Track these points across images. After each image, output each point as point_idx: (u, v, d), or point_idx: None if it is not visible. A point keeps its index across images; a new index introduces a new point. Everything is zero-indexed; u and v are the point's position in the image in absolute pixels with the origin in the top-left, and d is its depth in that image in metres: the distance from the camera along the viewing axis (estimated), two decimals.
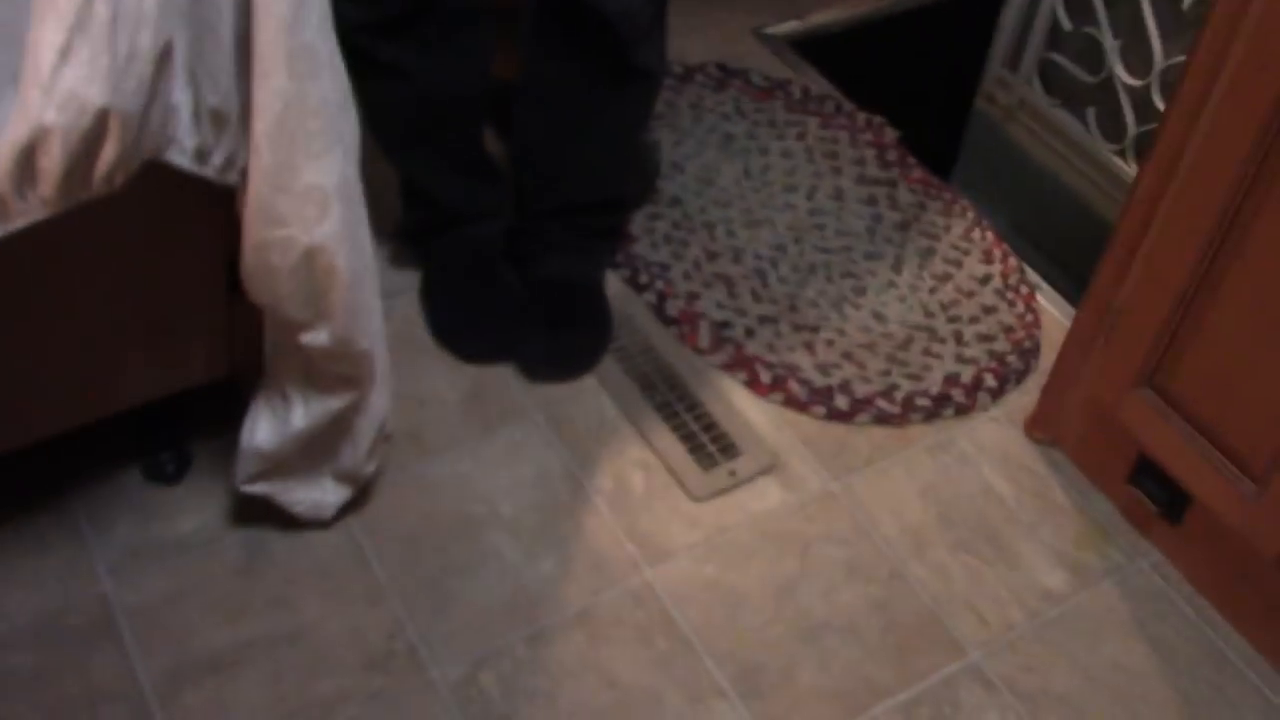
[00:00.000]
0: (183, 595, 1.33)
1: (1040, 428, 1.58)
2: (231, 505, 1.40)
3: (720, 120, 1.96)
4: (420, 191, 1.59)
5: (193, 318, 1.26)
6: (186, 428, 1.44)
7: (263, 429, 1.27)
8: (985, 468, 1.55)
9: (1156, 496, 1.43)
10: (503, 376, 1.58)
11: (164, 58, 0.90)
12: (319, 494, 1.36)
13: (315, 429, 1.26)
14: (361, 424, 1.29)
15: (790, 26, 2.21)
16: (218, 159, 1.02)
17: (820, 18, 2.25)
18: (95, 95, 0.86)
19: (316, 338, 1.15)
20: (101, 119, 0.88)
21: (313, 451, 1.31)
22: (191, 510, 1.40)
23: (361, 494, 1.41)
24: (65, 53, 0.85)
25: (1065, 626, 1.40)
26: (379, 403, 1.28)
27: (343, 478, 1.36)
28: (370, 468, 1.36)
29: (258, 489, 1.33)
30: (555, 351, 1.58)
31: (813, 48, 2.20)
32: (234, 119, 1.00)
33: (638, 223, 1.77)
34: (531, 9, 1.47)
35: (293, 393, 1.25)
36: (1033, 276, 1.80)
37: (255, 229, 1.04)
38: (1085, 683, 1.35)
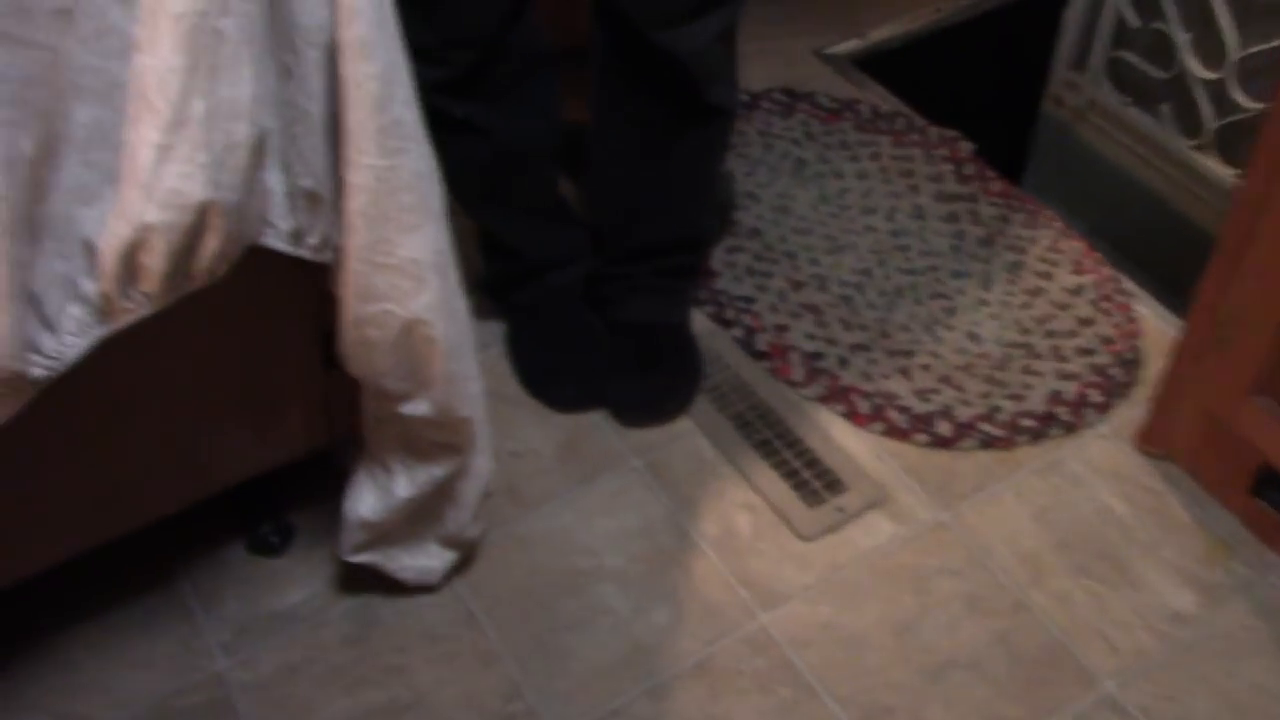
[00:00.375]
0: (296, 669, 1.33)
1: (1152, 442, 1.53)
2: (338, 574, 1.39)
3: (791, 146, 1.93)
4: (499, 244, 1.58)
5: (291, 393, 1.25)
6: (286, 499, 1.44)
7: (366, 500, 1.26)
8: (1099, 487, 1.50)
9: None
10: (596, 424, 1.56)
11: (259, 146, 0.89)
12: (425, 560, 1.34)
13: (419, 497, 1.25)
14: (465, 488, 1.28)
15: (852, 45, 2.18)
16: (313, 239, 1.01)
17: (881, 34, 2.22)
18: (196, 190, 0.86)
19: (417, 408, 1.14)
20: (203, 214, 0.87)
21: (417, 519, 1.30)
22: (298, 581, 1.40)
23: (465, 556, 1.39)
24: (165, 150, 0.84)
25: (1200, 649, 1.35)
26: (482, 465, 1.27)
27: (448, 542, 1.34)
28: (476, 530, 1.35)
29: (363, 558, 1.32)
30: (646, 395, 1.56)
31: (876, 65, 2.17)
32: (327, 198, 0.99)
33: (718, 257, 1.75)
34: (598, 51, 1.45)
35: (394, 463, 1.23)
36: (1128, 284, 1.75)
37: (353, 305, 1.03)
38: (1228, 709, 1.30)
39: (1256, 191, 1.28)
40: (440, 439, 1.20)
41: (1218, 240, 1.35)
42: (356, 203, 0.97)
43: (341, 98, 0.93)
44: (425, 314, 1.05)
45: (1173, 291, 1.77)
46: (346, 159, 0.96)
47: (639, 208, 1.56)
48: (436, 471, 1.23)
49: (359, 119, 0.93)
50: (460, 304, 1.11)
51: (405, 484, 1.24)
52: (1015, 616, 1.37)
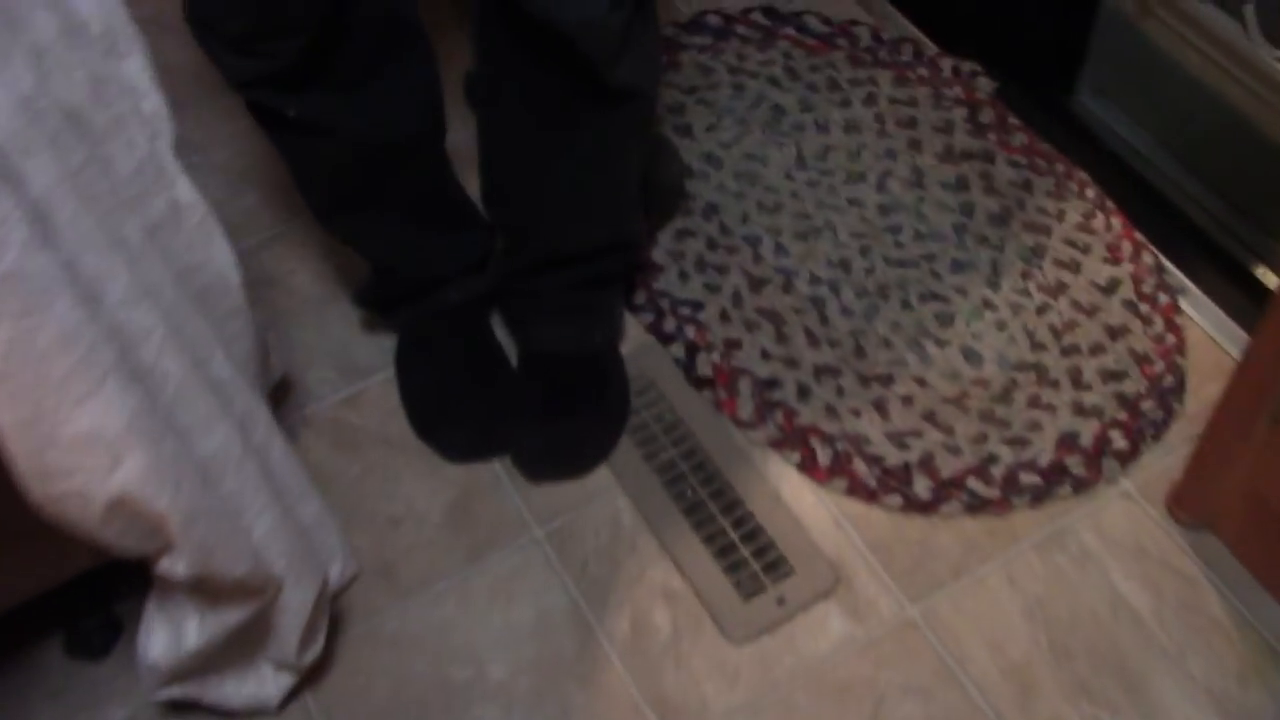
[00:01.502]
0: None
1: (1188, 506, 1.21)
2: None
3: (767, 87, 1.57)
4: (372, 260, 1.28)
5: None
6: (116, 588, 1.19)
7: (157, 641, 1.01)
8: (1114, 569, 1.19)
9: None
10: (495, 479, 1.28)
11: None
12: (255, 686, 1.10)
13: (215, 645, 0.99)
14: (284, 620, 1.02)
15: None
16: None
17: None
18: None
19: (173, 569, 0.87)
20: None
21: (236, 644, 1.05)
22: (122, 693, 1.16)
23: (321, 659, 1.14)
24: None
25: None
26: (300, 600, 1.00)
27: (282, 666, 1.09)
28: (310, 656, 1.09)
29: (173, 694, 1.08)
30: (556, 444, 1.27)
31: None
32: None
33: (664, 244, 1.43)
34: (475, 18, 1.12)
35: (185, 600, 0.97)
36: (1176, 277, 1.39)
37: (35, 488, 0.76)
38: None
39: None
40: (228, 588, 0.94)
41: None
42: None
43: None
44: (134, 489, 0.77)
45: (1248, 253, 1.41)
46: None
47: (541, 209, 1.23)
48: (232, 618, 0.97)
49: None
50: (223, 452, 0.83)
51: (197, 630, 0.98)
52: None
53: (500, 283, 1.31)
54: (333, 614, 1.19)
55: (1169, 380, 1.30)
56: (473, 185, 1.28)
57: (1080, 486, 1.24)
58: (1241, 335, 1.34)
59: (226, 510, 0.85)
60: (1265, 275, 1.40)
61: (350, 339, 1.39)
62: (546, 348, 1.29)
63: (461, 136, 1.28)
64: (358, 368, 1.37)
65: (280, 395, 1.33)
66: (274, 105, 1.10)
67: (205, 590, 0.95)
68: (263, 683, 1.10)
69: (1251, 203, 1.46)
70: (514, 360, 1.33)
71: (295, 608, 1.00)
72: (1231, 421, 1.09)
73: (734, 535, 1.22)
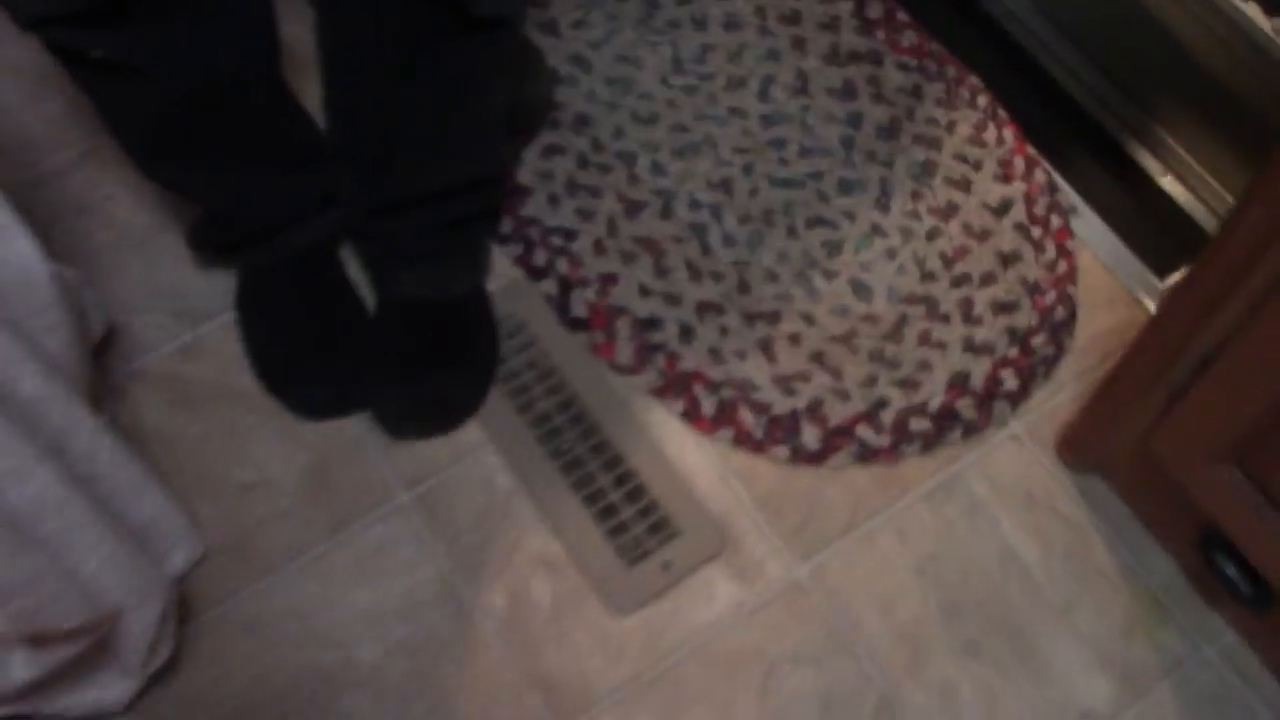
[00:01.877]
0: None
1: (1076, 449, 1.18)
2: None
3: None
4: (206, 205, 1.14)
5: None
6: None
7: None
8: (1004, 519, 1.17)
9: (1236, 585, 1.06)
10: (357, 438, 1.18)
11: None
12: (98, 693, 1.00)
13: (46, 676, 0.89)
14: (126, 642, 0.92)
15: None
16: None
17: None
18: None
19: None
20: None
21: (68, 672, 0.94)
22: None
23: (173, 655, 1.05)
24: None
25: None
26: (143, 619, 0.90)
27: (126, 672, 1.00)
28: (157, 662, 1.00)
29: (6, 711, 0.98)
30: (420, 398, 1.17)
31: None
32: None
33: (530, 163, 1.30)
34: None
35: (9, 638, 0.87)
36: (1067, 195, 1.33)
37: None
38: None
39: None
40: None
41: (1206, 250, 0.94)
42: None
43: None
44: None
45: (1149, 156, 1.35)
46: None
47: (390, 141, 1.09)
48: (64, 653, 0.87)
49: None
50: (40, 496, 0.71)
51: (23, 664, 0.88)
52: None
53: (352, 223, 1.18)
54: (182, 599, 1.09)
55: (1060, 313, 1.26)
56: (315, 95, 1.13)
57: (970, 431, 1.20)
58: (1134, 262, 1.30)
59: (47, 560, 0.74)
60: (1171, 185, 1.35)
61: (184, 277, 1.25)
62: (405, 294, 1.17)
63: (301, 31, 1.12)
64: (194, 311, 1.23)
65: (105, 347, 1.20)
66: (74, 45, 0.93)
67: (33, 637, 0.85)
68: (105, 688, 1.00)
69: (1147, 96, 1.39)
70: (372, 306, 1.21)
71: (138, 631, 0.90)
72: (1130, 382, 1.05)
73: (615, 496, 1.15)
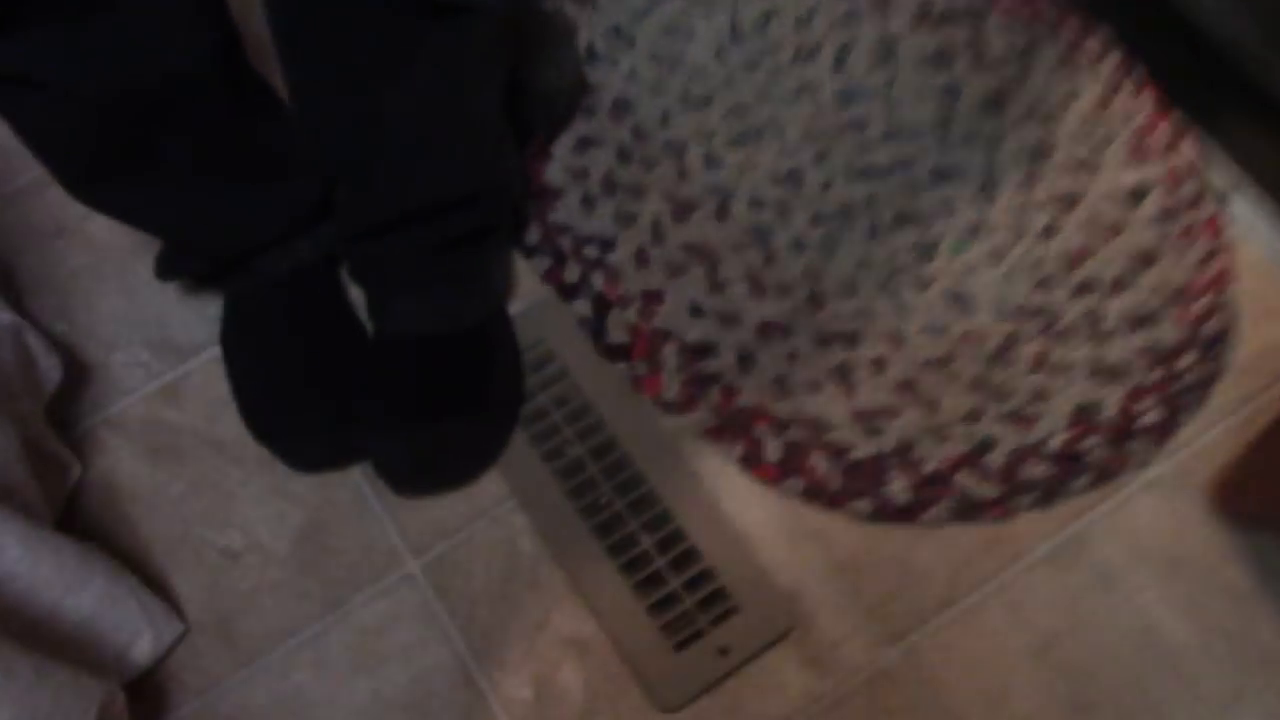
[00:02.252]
0: None
1: (1240, 499, 0.94)
2: None
3: None
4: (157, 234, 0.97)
5: None
6: None
7: None
8: (1145, 589, 0.94)
9: None
10: (356, 494, 1.00)
11: None
12: None
13: None
14: None
15: None
16: None
17: None
18: None
19: None
20: None
21: None
22: None
23: None
24: None
25: None
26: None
27: None
28: None
29: None
30: (428, 447, 0.98)
31: None
32: None
33: (561, 157, 1.11)
34: None
35: None
36: (1222, 176, 1.09)
37: None
38: None
39: None
40: None
41: None
42: None
43: None
44: None
45: None
46: None
47: (366, 153, 0.90)
48: None
49: None
50: None
51: None
52: None
53: (342, 244, 1.00)
54: (157, 688, 0.93)
55: (1213, 325, 1.02)
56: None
57: (1101, 477, 0.97)
58: None
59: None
60: None
61: (167, 305, 1.09)
62: (407, 327, 0.99)
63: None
64: (177, 344, 1.07)
65: (75, 391, 1.04)
66: None
67: None
68: None
69: None
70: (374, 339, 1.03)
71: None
72: None
73: (661, 562, 0.95)
